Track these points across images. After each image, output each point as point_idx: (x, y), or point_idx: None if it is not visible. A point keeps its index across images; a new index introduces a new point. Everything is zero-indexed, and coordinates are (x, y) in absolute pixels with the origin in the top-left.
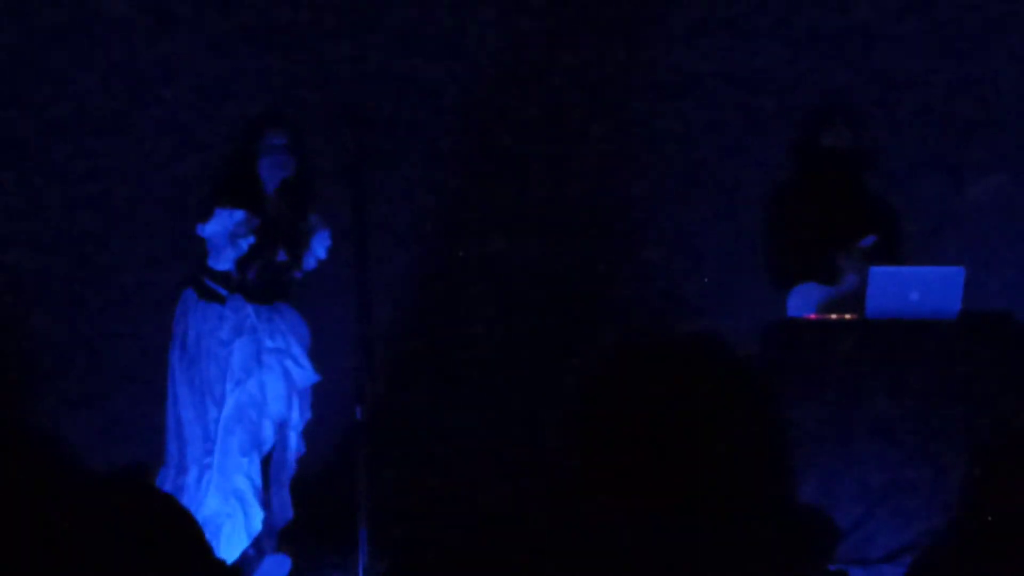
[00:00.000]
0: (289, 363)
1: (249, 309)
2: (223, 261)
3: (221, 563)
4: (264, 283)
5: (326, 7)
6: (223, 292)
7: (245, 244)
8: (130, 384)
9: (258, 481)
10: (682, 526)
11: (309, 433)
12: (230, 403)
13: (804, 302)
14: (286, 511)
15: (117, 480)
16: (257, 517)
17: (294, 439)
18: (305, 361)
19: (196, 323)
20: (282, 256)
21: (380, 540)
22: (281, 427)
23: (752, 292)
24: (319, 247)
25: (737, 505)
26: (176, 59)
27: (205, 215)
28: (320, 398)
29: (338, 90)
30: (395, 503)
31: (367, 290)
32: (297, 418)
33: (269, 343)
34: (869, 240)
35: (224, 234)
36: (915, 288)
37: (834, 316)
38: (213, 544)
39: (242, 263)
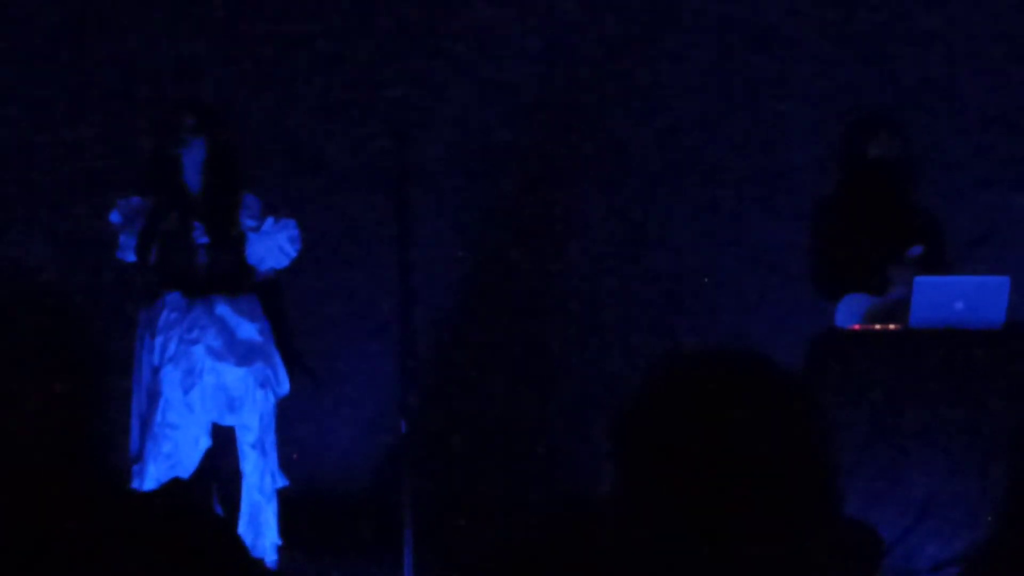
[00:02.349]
0: (208, 361)
1: (167, 303)
2: (126, 251)
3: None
4: (193, 272)
5: (367, 29)
6: (162, 290)
7: (138, 229)
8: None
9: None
10: (726, 539)
11: (354, 448)
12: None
13: (853, 312)
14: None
15: (156, 494)
16: None
17: (246, 447)
18: (231, 358)
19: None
20: (202, 237)
21: (425, 554)
22: (226, 433)
23: (797, 302)
24: (283, 238)
25: (782, 518)
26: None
27: (112, 208)
28: (364, 413)
29: (382, 108)
30: (440, 517)
31: (410, 305)
32: (248, 423)
33: (186, 337)
34: (917, 250)
35: (122, 223)
36: (960, 298)
37: (878, 326)
38: None
39: (156, 250)
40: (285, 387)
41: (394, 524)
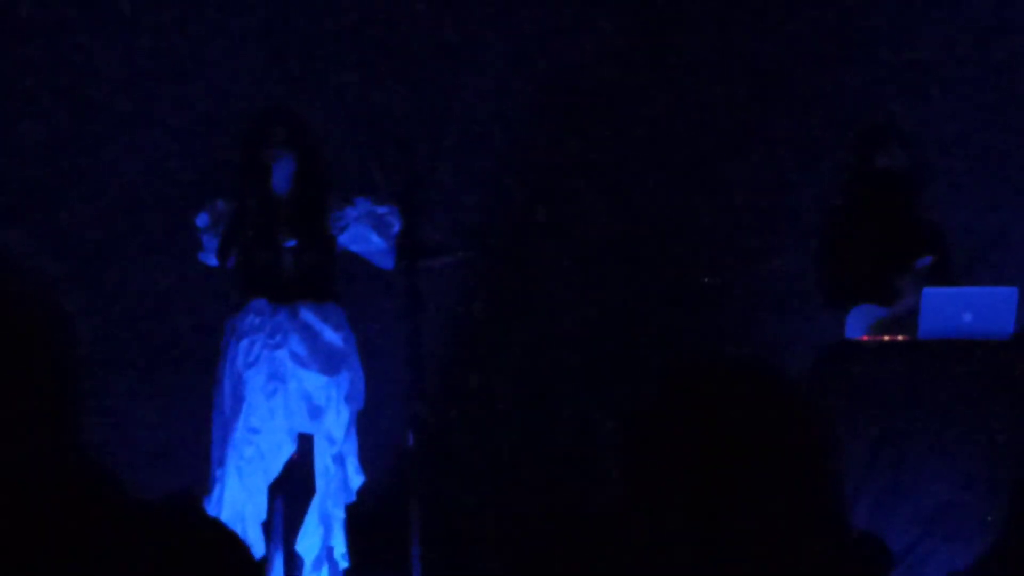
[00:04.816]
0: (290, 366)
1: (252, 308)
2: (209, 254)
3: None
4: (278, 277)
5: (376, 40)
6: (247, 296)
7: (221, 231)
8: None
9: (259, 506)
10: (733, 549)
11: (360, 460)
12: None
13: (862, 323)
14: (312, 549)
15: (163, 506)
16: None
17: (327, 459)
18: (314, 365)
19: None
20: (288, 241)
21: (433, 566)
22: (304, 442)
23: (803, 313)
24: (382, 226)
25: (790, 529)
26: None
27: (198, 209)
28: (371, 425)
29: (389, 117)
30: (448, 528)
31: (418, 317)
32: (331, 433)
33: (269, 342)
34: (926, 261)
35: (207, 226)
36: (968, 309)
37: (887, 337)
38: None
39: (240, 254)
40: (362, 400)
41: (401, 536)
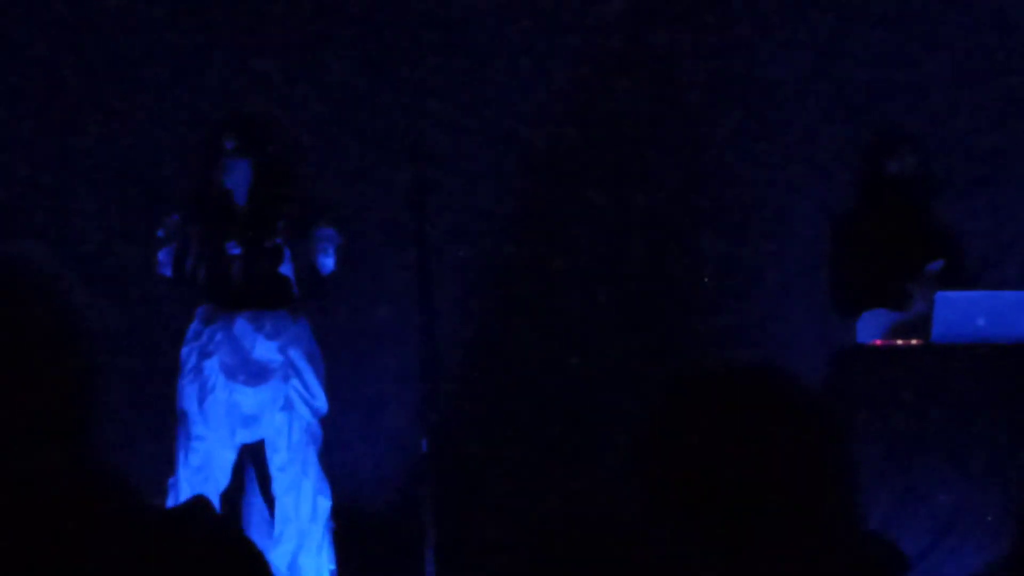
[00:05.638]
0: (218, 376)
1: (198, 316)
2: (164, 267)
3: None
4: (227, 286)
5: (386, 45)
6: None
7: (173, 244)
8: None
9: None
10: (747, 554)
11: (374, 466)
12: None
13: (873, 328)
14: (282, 557)
15: (179, 513)
16: None
17: (280, 479)
18: (240, 375)
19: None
20: (234, 249)
21: (448, 573)
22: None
23: (816, 318)
24: (319, 249)
25: (804, 534)
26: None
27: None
28: (385, 431)
29: (401, 122)
30: (462, 535)
31: (431, 323)
32: (273, 441)
33: (204, 351)
34: (937, 265)
35: (163, 238)
36: (982, 313)
37: (900, 342)
38: None
39: (193, 265)
40: (319, 405)
41: (416, 543)
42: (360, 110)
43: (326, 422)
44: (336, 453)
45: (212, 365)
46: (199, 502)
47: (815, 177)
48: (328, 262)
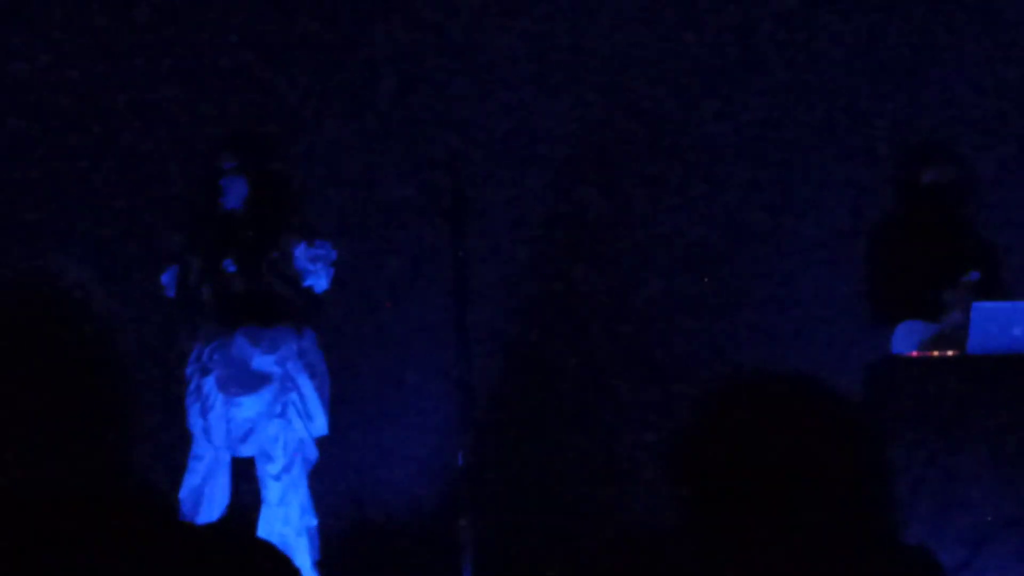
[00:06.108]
0: (214, 392)
1: (200, 336)
2: (169, 287)
3: None
4: (227, 302)
5: (421, 59)
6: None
7: (175, 266)
8: None
9: None
10: (786, 567)
11: (409, 482)
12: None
13: (909, 339)
14: None
15: (214, 529)
16: None
17: (274, 488)
18: (233, 388)
19: None
20: (231, 267)
21: None
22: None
23: (854, 329)
24: (311, 268)
25: (841, 545)
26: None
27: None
28: (421, 444)
29: (437, 137)
30: (500, 552)
31: (466, 336)
32: (265, 450)
33: (203, 369)
34: (974, 276)
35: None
36: (1018, 323)
37: (936, 353)
38: None
39: (196, 284)
40: (319, 425)
41: (453, 558)
42: (395, 124)
43: (357, 436)
44: (371, 468)
45: (210, 382)
46: (233, 519)
47: (852, 185)
48: (321, 281)
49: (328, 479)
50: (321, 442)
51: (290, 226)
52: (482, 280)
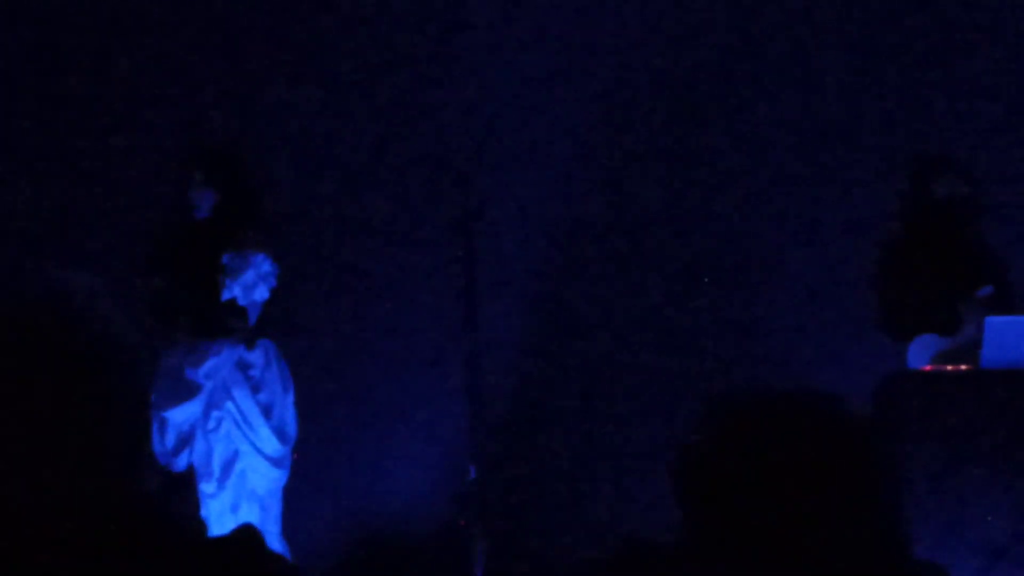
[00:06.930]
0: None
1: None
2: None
3: None
4: (177, 314)
5: (434, 70)
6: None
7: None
8: None
9: None
10: None
11: (421, 493)
12: None
13: (924, 353)
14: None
15: (226, 541)
16: None
17: (208, 508)
18: (165, 399)
19: None
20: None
21: None
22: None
23: (868, 343)
24: (258, 279)
25: (852, 560)
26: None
27: None
28: (433, 458)
29: (445, 149)
30: (511, 561)
31: (477, 350)
32: (200, 483)
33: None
34: (987, 290)
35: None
36: None
37: (949, 367)
38: None
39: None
40: (265, 441)
41: (464, 570)
42: (403, 125)
43: (367, 446)
44: (382, 479)
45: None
46: (247, 531)
47: (867, 201)
48: (264, 292)
49: (336, 481)
50: (330, 444)
51: (247, 239)
52: (495, 292)
